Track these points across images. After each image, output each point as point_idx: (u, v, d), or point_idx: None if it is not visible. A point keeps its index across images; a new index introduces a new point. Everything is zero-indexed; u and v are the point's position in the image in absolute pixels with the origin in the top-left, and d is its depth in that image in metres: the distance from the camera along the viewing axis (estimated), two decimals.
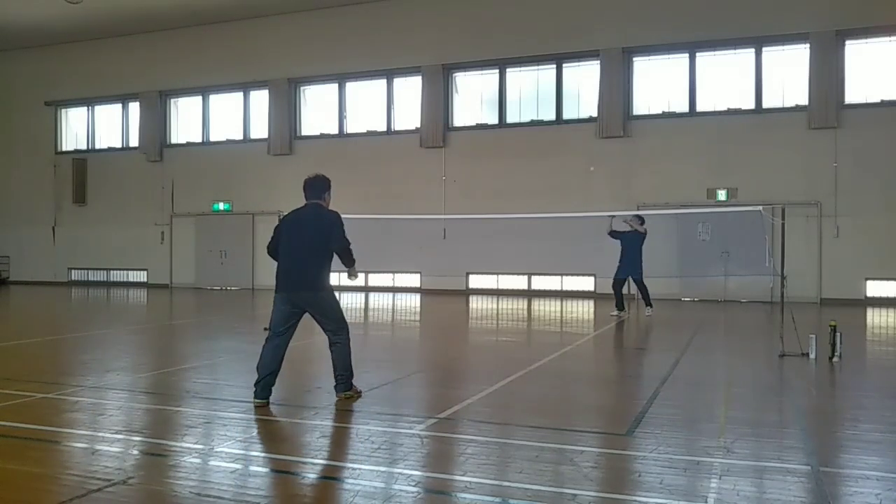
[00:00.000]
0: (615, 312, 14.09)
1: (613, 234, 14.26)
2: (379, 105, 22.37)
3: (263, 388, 6.19)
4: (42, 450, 4.92)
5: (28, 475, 4.33)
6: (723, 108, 18.81)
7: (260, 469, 4.57)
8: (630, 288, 15.45)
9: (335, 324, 6.40)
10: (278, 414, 6.04)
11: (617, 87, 19.37)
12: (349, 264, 6.58)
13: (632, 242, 13.94)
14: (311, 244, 6.26)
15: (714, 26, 18.50)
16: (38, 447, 4.97)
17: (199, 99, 24.83)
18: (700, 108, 19.05)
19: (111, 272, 25.95)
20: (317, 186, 6.54)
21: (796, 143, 17.96)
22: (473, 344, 11.50)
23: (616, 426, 5.61)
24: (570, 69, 20.36)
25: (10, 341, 10.60)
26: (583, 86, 20.21)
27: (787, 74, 18.33)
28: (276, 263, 6.41)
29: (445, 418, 5.74)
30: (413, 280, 21.62)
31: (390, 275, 21.77)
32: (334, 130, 22.91)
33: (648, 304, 14.35)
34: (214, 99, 24.70)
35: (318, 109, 23.31)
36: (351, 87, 22.82)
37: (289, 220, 6.48)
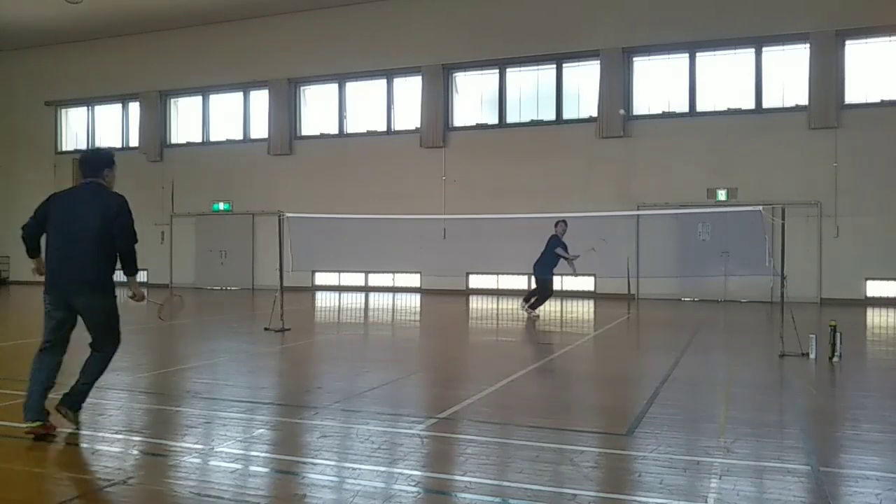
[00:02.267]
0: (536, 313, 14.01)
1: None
2: (379, 105, 22.36)
3: (38, 406, 5.09)
4: (42, 450, 4.92)
5: (28, 475, 4.33)
6: (723, 108, 18.81)
7: (260, 469, 4.57)
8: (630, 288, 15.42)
9: (104, 340, 5.32)
10: (278, 414, 6.04)
11: (617, 87, 19.36)
12: (130, 271, 5.27)
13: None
14: (90, 234, 5.08)
15: (714, 26, 18.50)
16: (38, 447, 4.97)
17: (199, 99, 24.83)
18: (700, 108, 19.05)
19: None
20: (96, 162, 5.33)
21: (796, 143, 17.96)
22: (473, 344, 11.50)
23: (616, 426, 5.61)
24: (570, 69, 20.36)
25: (10, 341, 10.61)
26: (583, 86, 20.21)
27: (787, 74, 18.33)
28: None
29: (445, 418, 5.73)
30: (413, 280, 21.62)
31: (390, 275, 21.77)
32: (334, 130, 22.91)
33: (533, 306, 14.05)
34: (214, 99, 24.70)
35: (318, 109, 23.31)
36: (351, 87, 22.81)
37: (58, 202, 5.27)
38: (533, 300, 14.10)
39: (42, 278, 5.28)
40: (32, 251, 5.36)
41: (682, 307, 17.20)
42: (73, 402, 5.29)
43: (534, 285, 14.42)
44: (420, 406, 6.53)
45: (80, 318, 5.27)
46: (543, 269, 14.01)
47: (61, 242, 5.16)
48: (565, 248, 13.94)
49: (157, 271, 24.83)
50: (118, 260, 5.22)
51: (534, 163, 20.03)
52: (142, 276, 25.09)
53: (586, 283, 19.91)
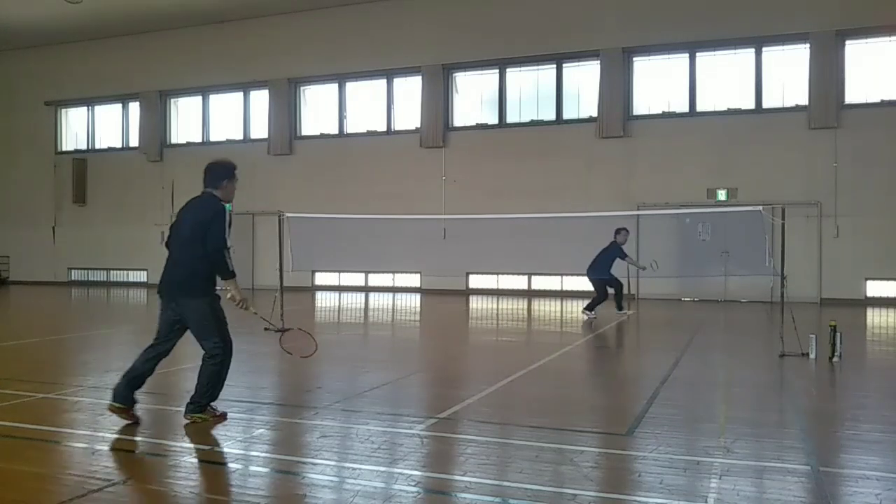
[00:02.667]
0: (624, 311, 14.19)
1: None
2: (379, 105, 22.36)
3: (123, 391, 5.43)
4: (42, 450, 4.92)
5: (28, 475, 4.33)
6: (723, 108, 18.80)
7: (260, 469, 4.57)
8: (629, 288, 15.42)
9: (202, 342, 5.54)
10: (278, 414, 6.04)
11: (617, 87, 19.36)
12: (223, 275, 5.53)
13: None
14: (185, 239, 5.49)
15: (714, 26, 18.49)
16: (38, 447, 4.97)
17: (199, 99, 24.83)
18: (700, 108, 19.05)
19: (111, 272, 25.95)
20: (216, 173, 5.74)
21: (796, 143, 17.96)
22: (473, 344, 11.50)
23: (616, 426, 5.61)
24: (570, 69, 20.36)
25: (10, 341, 10.60)
26: (583, 86, 20.20)
27: (787, 74, 18.32)
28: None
29: (445, 418, 5.74)
30: (413, 280, 21.61)
31: (390, 275, 21.77)
32: (334, 130, 22.90)
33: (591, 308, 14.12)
34: (214, 99, 24.69)
35: (318, 109, 23.31)
36: (351, 87, 22.81)
37: (180, 210, 5.77)
38: (591, 302, 14.13)
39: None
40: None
41: (682, 307, 17.19)
42: (191, 407, 5.52)
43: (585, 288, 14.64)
44: (420, 406, 6.53)
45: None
46: (600, 271, 13.98)
47: (170, 248, 5.65)
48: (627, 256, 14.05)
49: (158, 271, 24.72)
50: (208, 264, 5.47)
51: (534, 163, 20.02)
52: (142, 277, 25.19)
53: (586, 283, 19.91)
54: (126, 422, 5.37)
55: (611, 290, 14.20)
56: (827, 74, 17.59)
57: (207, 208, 5.55)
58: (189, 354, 9.88)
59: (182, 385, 7.27)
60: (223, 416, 5.62)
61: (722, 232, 17.43)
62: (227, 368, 5.60)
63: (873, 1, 17.33)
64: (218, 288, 5.60)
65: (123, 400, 5.39)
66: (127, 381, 5.44)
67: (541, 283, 20.49)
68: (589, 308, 14.00)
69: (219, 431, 5.40)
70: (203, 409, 5.53)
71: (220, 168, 5.76)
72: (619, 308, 14.12)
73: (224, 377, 5.60)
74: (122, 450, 4.89)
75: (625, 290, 14.74)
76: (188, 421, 5.46)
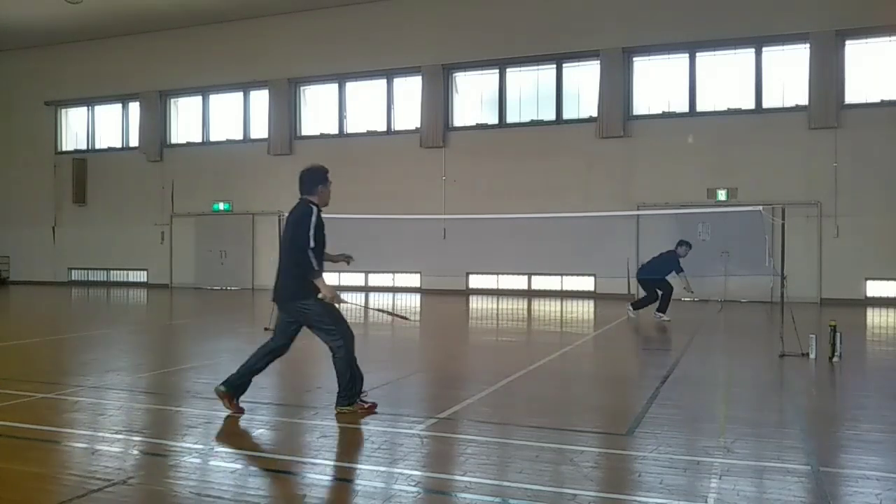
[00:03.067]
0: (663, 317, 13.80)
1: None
2: (379, 105, 22.36)
3: (234, 379, 5.73)
4: (42, 450, 4.92)
5: (28, 475, 4.32)
6: (723, 108, 18.81)
7: (260, 469, 4.57)
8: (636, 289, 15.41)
9: (325, 338, 5.74)
10: (278, 414, 6.04)
11: (617, 87, 19.36)
12: (310, 274, 5.59)
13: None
14: (283, 246, 5.75)
15: (714, 26, 18.50)
16: (38, 447, 4.97)
17: (199, 99, 24.83)
18: (700, 108, 19.05)
19: (111, 272, 25.95)
20: (310, 180, 5.86)
21: (796, 143, 17.96)
22: (473, 344, 11.49)
23: (616, 426, 5.61)
24: (570, 69, 20.36)
25: (10, 341, 10.60)
26: (583, 86, 20.21)
27: (787, 74, 18.33)
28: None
29: (445, 418, 5.73)
30: (413, 280, 21.62)
31: (390, 275, 21.77)
32: (334, 130, 22.91)
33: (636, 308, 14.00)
34: (214, 99, 24.69)
35: (318, 109, 23.31)
36: (351, 87, 22.81)
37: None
38: (639, 301, 13.99)
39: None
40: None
41: (682, 307, 17.19)
42: (339, 399, 5.76)
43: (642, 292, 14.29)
44: (420, 406, 6.53)
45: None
46: (655, 273, 13.67)
47: (279, 257, 5.88)
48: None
49: (157, 271, 24.85)
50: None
51: (534, 163, 20.02)
52: (142, 277, 25.20)
53: (586, 284, 19.94)
54: (230, 411, 5.67)
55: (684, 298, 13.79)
56: (827, 74, 17.59)
57: (297, 212, 5.71)
58: (190, 355, 9.90)
59: (182, 385, 7.27)
60: (373, 407, 5.82)
61: (722, 232, 17.42)
62: (353, 357, 5.78)
63: (873, 1, 17.33)
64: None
65: (228, 385, 5.68)
66: (240, 373, 5.76)
67: (541, 283, 20.49)
68: (636, 307, 13.82)
69: (219, 431, 5.40)
70: (352, 402, 5.75)
71: (312, 175, 5.88)
72: (662, 311, 13.68)
73: (356, 366, 5.80)
74: (122, 450, 4.89)
75: (631, 292, 14.65)
76: (340, 412, 5.70)
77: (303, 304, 5.68)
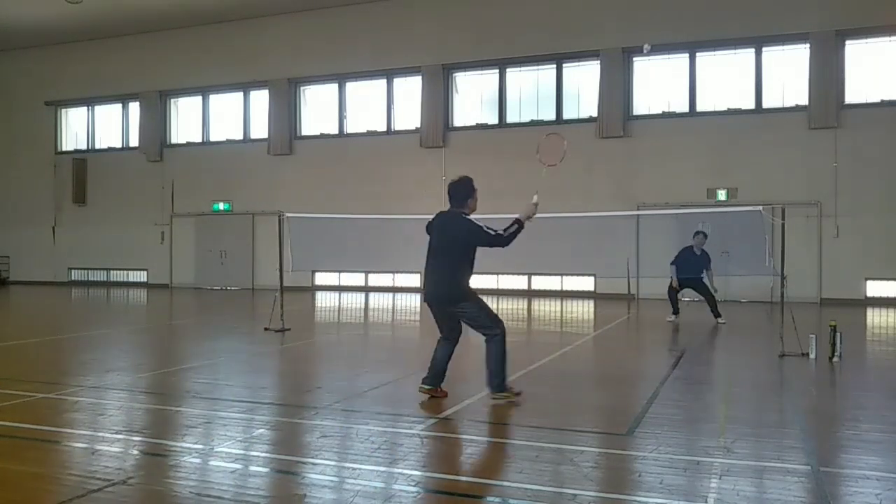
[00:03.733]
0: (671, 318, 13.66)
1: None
2: (379, 105, 22.36)
3: (431, 379, 6.39)
4: (42, 450, 4.92)
5: (28, 475, 4.33)
6: (723, 108, 18.81)
7: (260, 469, 4.57)
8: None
9: (482, 329, 6.27)
10: (278, 414, 6.04)
11: (617, 87, 19.36)
12: (510, 239, 6.42)
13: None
14: (445, 255, 6.22)
15: (714, 26, 18.50)
16: (38, 447, 4.97)
17: (199, 99, 24.83)
18: (700, 108, 19.05)
19: (111, 272, 25.95)
20: (461, 193, 6.36)
21: (796, 143, 17.96)
22: (473, 344, 11.47)
23: (616, 426, 5.61)
24: (570, 69, 20.36)
25: (10, 341, 10.60)
26: (583, 86, 20.20)
27: (787, 74, 18.32)
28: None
29: (445, 418, 5.74)
30: (413, 280, 21.61)
31: (390, 275, 21.77)
32: (334, 130, 22.90)
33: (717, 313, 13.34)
34: (214, 99, 24.69)
35: (318, 109, 23.31)
36: (351, 87, 22.81)
37: (434, 222, 6.48)
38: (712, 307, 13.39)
39: None
40: None
41: (682, 307, 17.18)
42: (492, 386, 6.21)
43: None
44: (420, 406, 6.52)
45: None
46: (694, 272, 13.32)
47: (428, 259, 6.35)
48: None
49: (157, 271, 24.85)
50: (470, 270, 6.30)
51: (534, 163, 19.94)
52: (142, 277, 25.20)
53: (586, 283, 19.94)
54: (433, 397, 6.34)
55: (684, 298, 13.44)
56: (827, 74, 17.59)
57: (460, 226, 6.18)
58: (190, 355, 9.90)
59: (182, 385, 7.27)
60: (520, 394, 6.25)
61: (722, 232, 17.40)
62: (505, 344, 6.23)
63: (873, 1, 17.33)
64: None
65: (431, 383, 6.34)
66: (434, 372, 6.35)
67: (541, 283, 20.49)
68: (717, 314, 13.17)
69: (219, 431, 5.40)
70: (504, 388, 6.17)
71: (464, 188, 6.35)
72: (676, 312, 13.62)
73: (506, 353, 6.23)
74: (122, 450, 4.89)
75: (631, 292, 14.63)
76: (497, 400, 6.12)
77: (461, 307, 6.21)
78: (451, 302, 6.24)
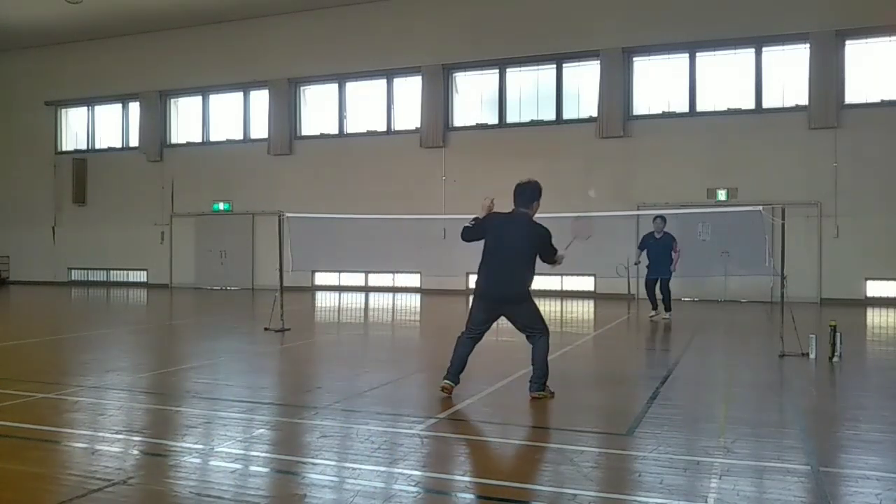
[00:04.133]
0: (652, 314, 13.91)
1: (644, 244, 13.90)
2: (379, 105, 22.36)
3: (454, 376, 6.51)
4: (42, 450, 4.92)
5: (28, 475, 4.33)
6: (723, 108, 18.80)
7: (260, 469, 4.57)
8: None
9: (534, 330, 6.50)
10: (278, 414, 6.04)
11: (617, 87, 19.36)
12: (560, 260, 6.74)
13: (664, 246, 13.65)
14: (517, 256, 6.37)
15: (714, 26, 18.49)
16: (38, 447, 4.97)
17: (199, 99, 24.83)
18: (700, 108, 19.05)
19: (111, 272, 25.95)
20: (528, 194, 6.51)
21: (796, 143, 17.96)
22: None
23: (616, 426, 5.61)
24: (570, 69, 20.36)
25: (10, 341, 10.60)
26: (583, 86, 20.20)
27: (787, 74, 18.32)
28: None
29: (445, 418, 5.74)
30: (413, 280, 21.62)
31: (390, 275, 21.76)
32: (334, 130, 22.90)
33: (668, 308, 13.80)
34: (214, 99, 24.69)
35: (318, 109, 23.31)
36: (351, 87, 22.81)
37: (494, 223, 6.51)
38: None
39: None
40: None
41: (682, 307, 17.19)
42: (535, 386, 6.38)
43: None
44: (420, 406, 6.52)
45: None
46: (660, 255, 13.63)
47: (493, 257, 6.44)
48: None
49: (157, 271, 24.85)
50: (534, 272, 6.54)
51: (534, 163, 19.96)
52: (142, 277, 25.20)
53: (586, 283, 19.94)
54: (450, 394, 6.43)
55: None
56: (827, 74, 17.58)
57: (536, 230, 6.42)
58: (190, 355, 9.90)
59: (182, 385, 7.27)
60: (554, 394, 6.47)
61: (722, 232, 17.41)
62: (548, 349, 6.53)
63: (873, 1, 17.33)
64: None
65: (455, 380, 6.48)
66: (457, 369, 6.48)
67: (540, 283, 20.41)
68: (668, 308, 13.69)
69: (219, 431, 5.40)
70: (544, 387, 6.39)
71: (534, 190, 6.51)
72: (655, 307, 13.89)
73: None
74: (122, 450, 4.89)
75: (631, 292, 14.58)
76: (535, 397, 6.33)
77: (523, 307, 6.46)
78: (517, 301, 6.42)
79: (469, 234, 6.55)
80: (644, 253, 13.83)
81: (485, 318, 6.53)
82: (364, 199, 20.78)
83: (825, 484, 4.18)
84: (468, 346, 6.57)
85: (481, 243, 6.53)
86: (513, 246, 6.34)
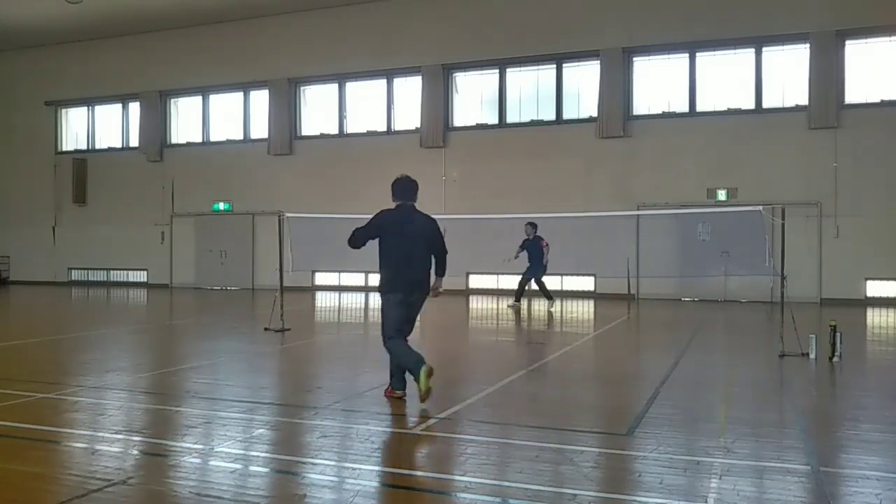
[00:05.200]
0: (514, 303, 15.96)
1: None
2: (379, 105, 22.36)
3: (402, 382, 6.45)
4: (42, 450, 4.92)
5: (28, 475, 4.33)
6: (723, 108, 18.80)
7: (260, 469, 4.57)
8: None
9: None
10: (278, 414, 6.04)
11: (617, 87, 19.36)
12: (444, 271, 6.89)
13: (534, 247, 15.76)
14: (423, 247, 6.54)
15: (714, 26, 18.49)
16: (38, 447, 4.97)
17: (199, 99, 24.82)
18: (700, 108, 19.05)
19: (111, 272, 25.95)
20: (412, 189, 6.75)
21: (796, 143, 17.96)
22: (473, 344, 11.50)
23: (616, 426, 5.61)
24: (570, 69, 20.35)
25: (10, 341, 10.60)
26: (583, 86, 20.20)
27: (787, 74, 18.32)
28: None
29: (445, 418, 5.74)
30: None
31: None
32: (334, 130, 22.90)
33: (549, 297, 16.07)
34: (214, 99, 24.69)
35: (318, 109, 23.31)
36: (351, 87, 22.81)
37: (391, 217, 6.59)
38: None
39: None
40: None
41: (682, 307, 17.19)
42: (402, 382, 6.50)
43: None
44: (420, 406, 6.52)
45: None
46: (535, 257, 15.95)
47: (403, 250, 6.46)
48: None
49: (157, 271, 24.85)
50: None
51: (534, 163, 20.01)
52: (142, 277, 25.21)
53: (586, 283, 19.93)
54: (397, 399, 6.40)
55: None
56: (827, 74, 17.58)
57: (432, 223, 6.70)
58: (190, 355, 9.90)
59: (182, 385, 7.27)
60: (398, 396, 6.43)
61: (722, 232, 17.42)
62: None
63: (873, 1, 17.33)
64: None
65: (403, 387, 6.42)
66: (403, 374, 6.38)
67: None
68: (549, 297, 16.07)
69: (219, 431, 5.40)
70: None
71: (414, 184, 6.82)
72: (550, 298, 16.13)
73: None
74: (122, 450, 4.89)
75: (632, 292, 14.86)
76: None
77: (424, 297, 6.61)
78: (424, 289, 6.56)
79: (360, 240, 6.56)
80: (525, 254, 15.96)
81: (404, 313, 6.45)
82: (364, 199, 20.72)
83: (825, 484, 4.18)
84: (404, 342, 6.46)
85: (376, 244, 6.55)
86: (416, 237, 6.48)
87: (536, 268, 15.79)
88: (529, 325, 13.69)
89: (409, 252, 6.41)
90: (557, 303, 16.58)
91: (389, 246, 6.44)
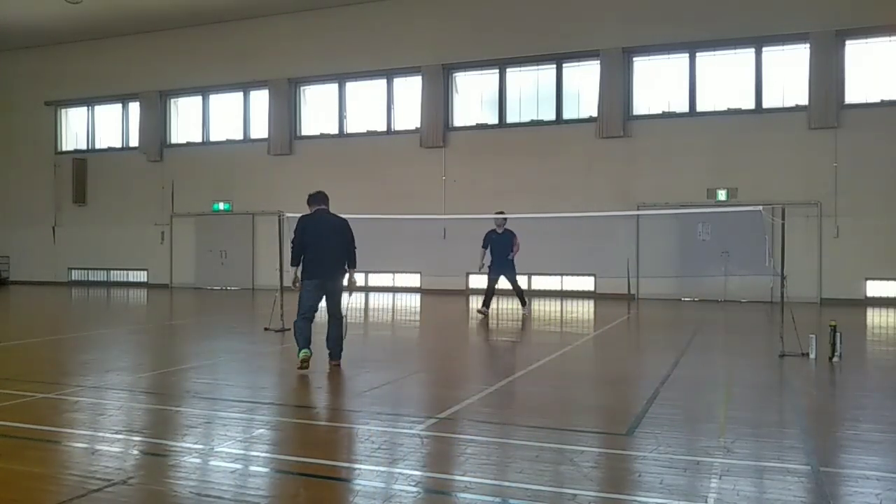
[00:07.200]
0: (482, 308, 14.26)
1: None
2: (379, 105, 22.36)
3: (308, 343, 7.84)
4: (42, 450, 4.92)
5: (28, 475, 4.33)
6: (723, 108, 18.80)
7: (260, 469, 4.57)
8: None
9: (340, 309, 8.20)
10: (278, 414, 6.04)
11: (617, 87, 19.36)
12: (355, 264, 8.25)
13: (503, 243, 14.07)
14: (338, 243, 8.02)
15: (714, 26, 18.49)
16: (38, 447, 4.97)
17: (199, 99, 24.82)
18: (700, 108, 19.04)
19: (111, 272, 25.95)
20: (326, 198, 8.48)
21: (796, 143, 17.95)
22: (473, 344, 11.49)
23: (616, 426, 5.61)
24: (570, 69, 20.35)
25: (10, 341, 10.60)
26: (583, 86, 20.20)
27: (787, 74, 18.32)
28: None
29: (445, 418, 5.74)
30: (413, 280, 21.61)
31: (390, 275, 21.77)
32: (334, 130, 22.90)
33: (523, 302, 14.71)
34: (214, 99, 24.69)
35: (318, 109, 23.30)
36: (351, 87, 22.81)
37: (313, 222, 8.07)
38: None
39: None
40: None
41: (682, 307, 17.19)
42: (338, 353, 8.26)
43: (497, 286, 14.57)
44: (420, 406, 6.53)
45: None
46: (502, 251, 14.11)
47: (322, 244, 7.95)
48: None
49: (157, 271, 24.85)
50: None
51: (534, 163, 20.01)
52: (142, 277, 25.21)
53: (586, 284, 19.94)
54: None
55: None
56: (827, 74, 17.58)
57: (347, 225, 8.27)
58: (190, 355, 9.90)
59: (182, 385, 7.27)
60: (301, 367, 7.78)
61: (722, 232, 17.43)
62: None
63: (873, 1, 17.33)
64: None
65: (309, 347, 7.88)
66: (307, 341, 7.88)
67: (541, 283, 20.47)
68: (523, 303, 14.70)
69: (219, 431, 5.40)
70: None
71: (326, 195, 8.56)
72: (487, 305, 14.27)
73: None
74: (122, 450, 4.89)
75: (632, 292, 14.75)
76: (338, 363, 8.12)
77: (341, 287, 8.22)
78: (339, 279, 8.11)
79: (298, 252, 7.94)
80: (488, 250, 14.18)
81: (316, 297, 7.91)
82: (364, 199, 20.77)
83: (825, 484, 4.19)
84: (308, 326, 7.91)
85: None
86: (331, 235, 7.98)
87: (500, 264, 13.93)
88: (529, 326, 13.68)
89: (325, 246, 7.86)
90: (533, 306, 16.47)
91: (309, 241, 7.85)
